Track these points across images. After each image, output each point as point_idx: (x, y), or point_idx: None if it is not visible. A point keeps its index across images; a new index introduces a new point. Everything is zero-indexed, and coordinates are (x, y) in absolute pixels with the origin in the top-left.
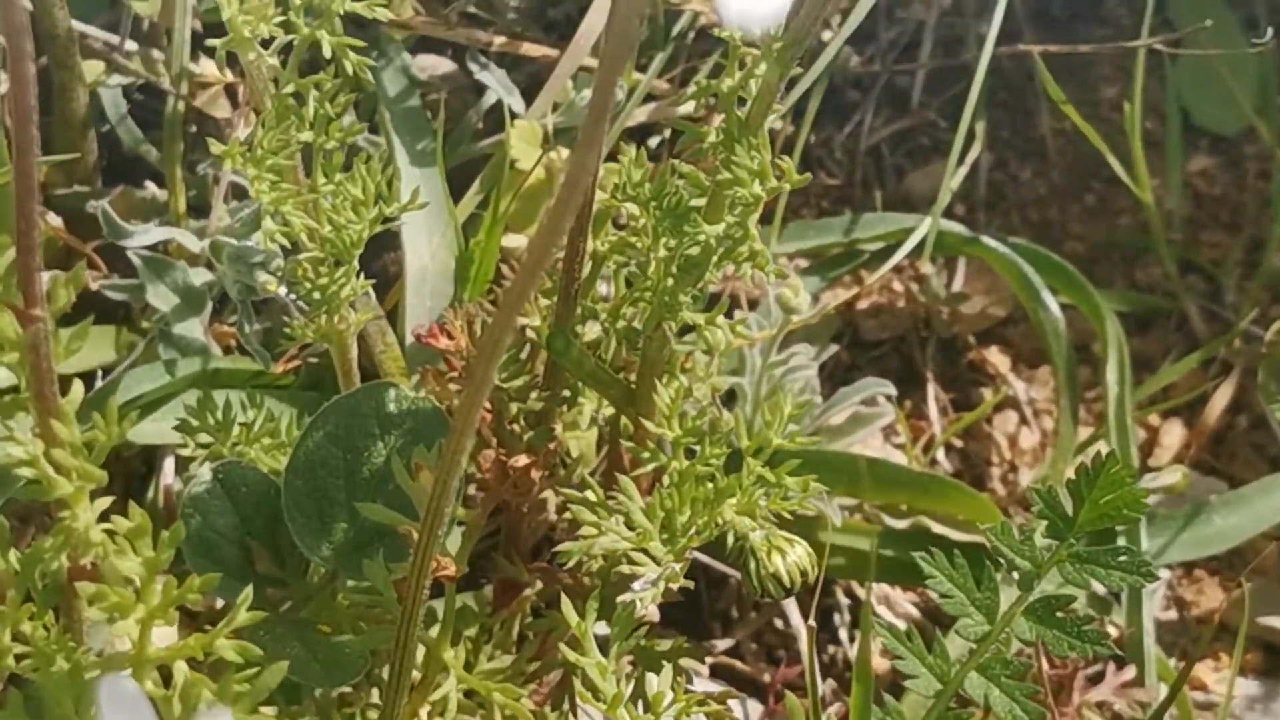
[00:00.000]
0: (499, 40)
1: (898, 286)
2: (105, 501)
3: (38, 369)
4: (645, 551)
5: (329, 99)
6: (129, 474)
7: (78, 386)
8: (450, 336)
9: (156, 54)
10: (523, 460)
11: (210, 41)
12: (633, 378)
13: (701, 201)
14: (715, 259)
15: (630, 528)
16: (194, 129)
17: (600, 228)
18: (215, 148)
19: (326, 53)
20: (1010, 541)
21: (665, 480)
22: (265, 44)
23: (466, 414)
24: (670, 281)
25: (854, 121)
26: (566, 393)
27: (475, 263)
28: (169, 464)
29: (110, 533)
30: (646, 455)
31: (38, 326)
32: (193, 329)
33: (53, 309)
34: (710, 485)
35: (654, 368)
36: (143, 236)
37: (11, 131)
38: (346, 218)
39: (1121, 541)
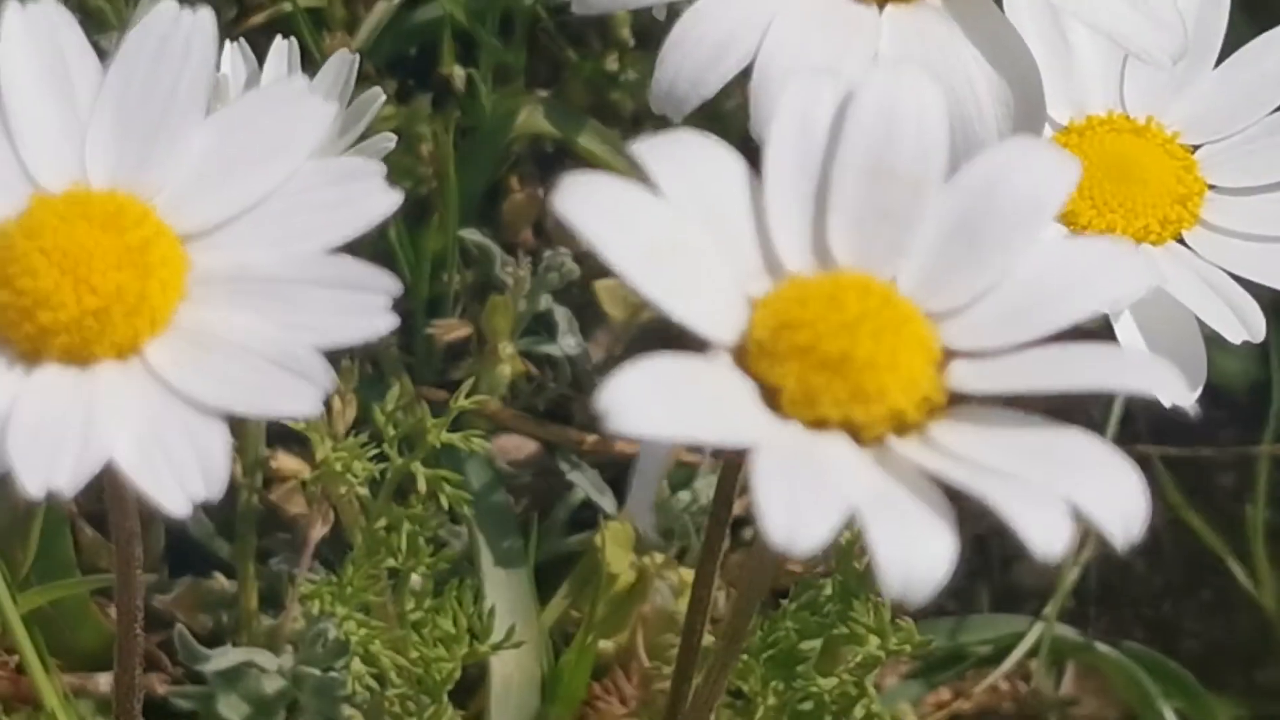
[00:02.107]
0: (590, 438)
1: (1003, 687)
2: None
3: None
4: None
5: (420, 527)
6: None
7: None
8: None
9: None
10: None
11: (303, 478)
12: None
13: (815, 644)
14: (828, 717)
15: None
16: (264, 514)
17: (705, 664)
18: (305, 588)
19: (421, 487)
20: None
21: None
22: None
23: None
24: None
25: (958, 510)
26: None
27: (564, 679)
28: None
29: None
30: None
31: None
32: None
33: None
34: None
35: None
36: (218, 660)
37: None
38: (436, 653)
39: None
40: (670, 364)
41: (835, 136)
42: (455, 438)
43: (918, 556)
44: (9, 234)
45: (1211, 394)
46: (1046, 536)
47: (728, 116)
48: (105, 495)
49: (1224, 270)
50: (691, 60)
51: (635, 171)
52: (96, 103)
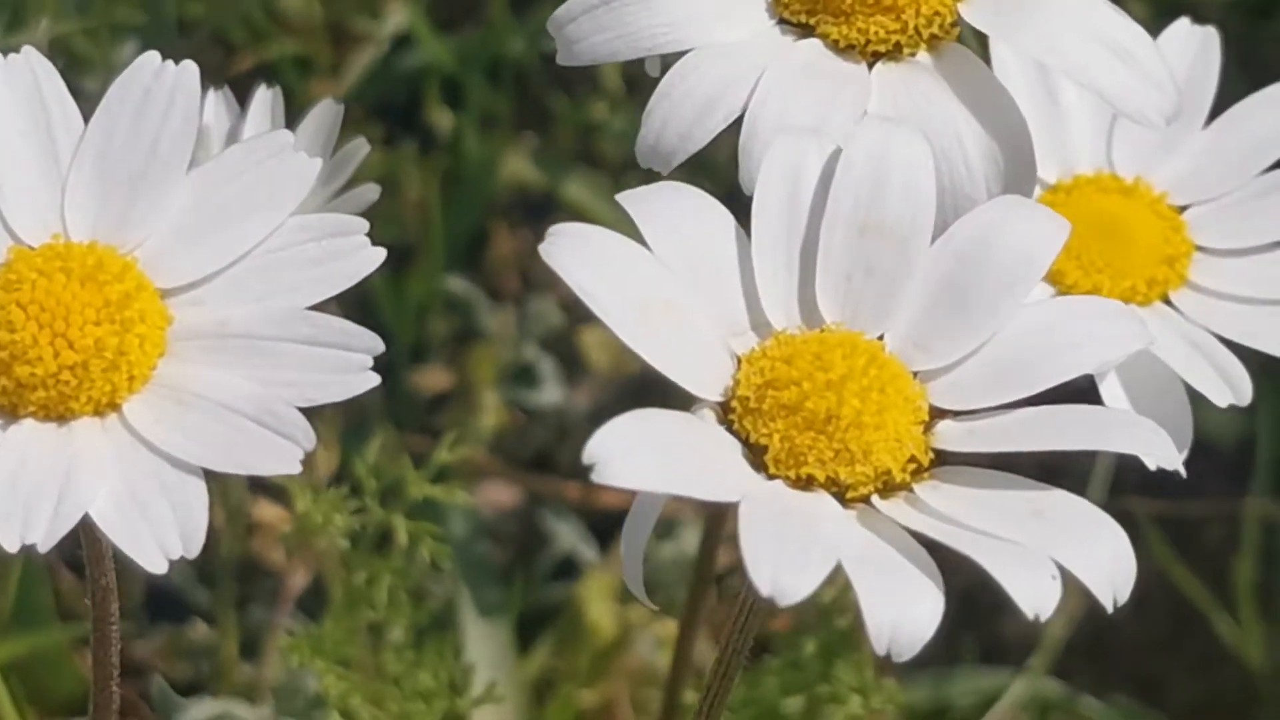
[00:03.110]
0: (575, 489)
1: None
2: None
3: None
4: None
5: (400, 579)
6: None
7: None
8: None
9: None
10: None
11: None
12: None
13: (797, 700)
14: None
15: None
16: (245, 562)
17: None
18: (283, 641)
19: (403, 539)
20: None
21: None
22: None
23: None
24: None
25: (938, 558)
26: None
27: None
28: None
29: None
30: None
31: None
32: None
33: None
34: None
35: None
36: (196, 711)
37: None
38: (416, 708)
39: None
40: (656, 418)
41: (822, 192)
42: (437, 490)
43: (905, 615)
44: None
45: (1198, 448)
46: (1035, 598)
47: (718, 168)
48: (83, 549)
49: (1211, 333)
50: (679, 114)
51: (623, 220)
52: (78, 155)
